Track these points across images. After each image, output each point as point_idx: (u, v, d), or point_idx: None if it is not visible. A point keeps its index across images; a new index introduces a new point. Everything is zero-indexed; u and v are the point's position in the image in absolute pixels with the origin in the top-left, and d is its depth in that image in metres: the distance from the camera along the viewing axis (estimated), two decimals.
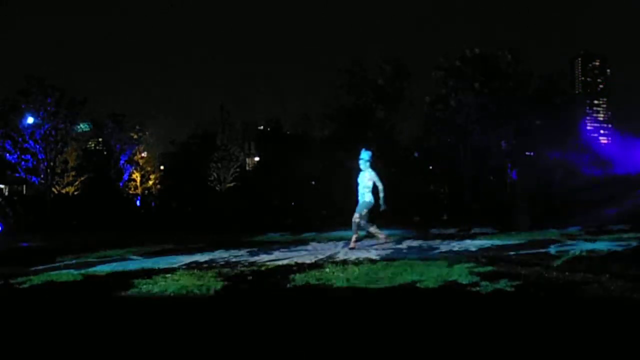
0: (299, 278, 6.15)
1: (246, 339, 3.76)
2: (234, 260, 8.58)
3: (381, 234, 9.69)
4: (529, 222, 12.76)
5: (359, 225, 9.40)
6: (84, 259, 9.58)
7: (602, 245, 8.38)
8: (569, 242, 9.15)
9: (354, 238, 9.43)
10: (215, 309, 5.03)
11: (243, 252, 9.82)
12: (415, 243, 10.19)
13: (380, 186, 9.38)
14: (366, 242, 10.12)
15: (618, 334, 3.43)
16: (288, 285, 5.82)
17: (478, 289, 5.09)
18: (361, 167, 9.57)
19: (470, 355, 3.18)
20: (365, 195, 9.45)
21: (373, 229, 9.67)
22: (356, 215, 9.39)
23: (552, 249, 8.19)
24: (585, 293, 4.63)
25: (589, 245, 8.38)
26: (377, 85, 32.68)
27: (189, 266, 7.85)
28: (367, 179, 9.48)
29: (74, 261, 9.36)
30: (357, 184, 9.65)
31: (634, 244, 8.48)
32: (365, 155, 9.60)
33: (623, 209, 17.18)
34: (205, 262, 8.41)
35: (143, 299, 5.50)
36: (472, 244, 9.48)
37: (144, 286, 6.00)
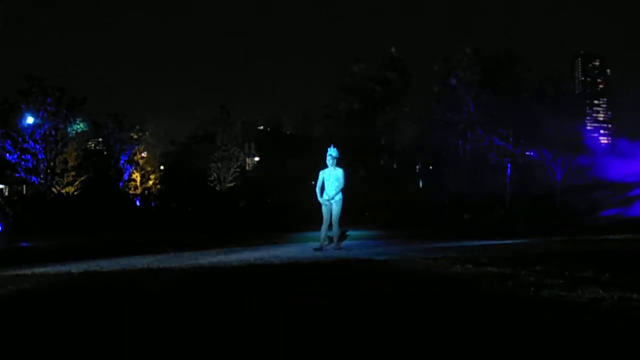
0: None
1: None
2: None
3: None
4: (527, 227, 12.74)
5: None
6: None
7: None
8: None
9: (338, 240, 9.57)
10: None
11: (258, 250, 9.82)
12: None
13: (341, 186, 9.31)
14: (369, 242, 10.13)
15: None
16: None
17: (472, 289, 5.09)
18: (329, 164, 9.42)
19: None
20: (337, 197, 9.34)
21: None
22: (336, 221, 9.36)
23: None
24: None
25: None
26: (377, 83, 32.74)
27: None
28: (337, 178, 9.34)
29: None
30: (318, 180, 9.46)
31: None
32: (335, 152, 9.48)
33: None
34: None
35: None
36: (470, 245, 9.48)
37: None
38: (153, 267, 7.08)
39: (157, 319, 3.81)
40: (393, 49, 32.85)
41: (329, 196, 9.30)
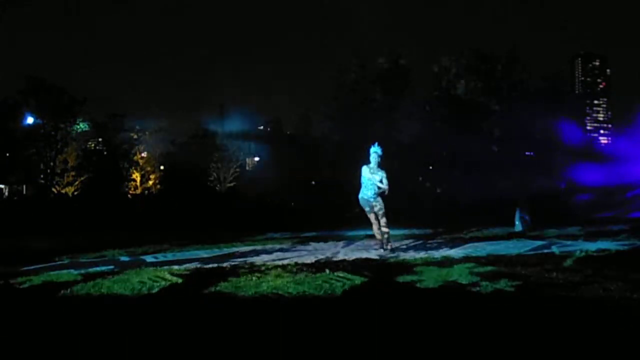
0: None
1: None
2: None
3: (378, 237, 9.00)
4: (530, 221, 12.79)
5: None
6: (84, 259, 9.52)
7: (605, 245, 8.37)
8: (570, 242, 9.14)
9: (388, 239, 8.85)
10: None
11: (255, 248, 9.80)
12: (417, 243, 10.18)
13: (386, 188, 8.64)
14: (367, 242, 10.11)
15: (614, 333, 3.42)
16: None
17: (478, 289, 5.07)
18: (372, 161, 8.79)
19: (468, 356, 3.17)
20: (379, 196, 8.74)
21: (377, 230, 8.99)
22: (384, 220, 8.71)
23: (555, 249, 8.18)
24: (585, 293, 4.62)
25: (592, 246, 8.36)
26: (377, 79, 32.77)
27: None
28: (378, 178, 8.67)
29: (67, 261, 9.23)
30: (359, 179, 8.84)
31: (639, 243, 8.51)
32: (379, 150, 8.84)
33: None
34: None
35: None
36: (472, 245, 9.46)
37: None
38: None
39: None
40: (402, 61, 33.03)
41: (371, 197, 8.69)
